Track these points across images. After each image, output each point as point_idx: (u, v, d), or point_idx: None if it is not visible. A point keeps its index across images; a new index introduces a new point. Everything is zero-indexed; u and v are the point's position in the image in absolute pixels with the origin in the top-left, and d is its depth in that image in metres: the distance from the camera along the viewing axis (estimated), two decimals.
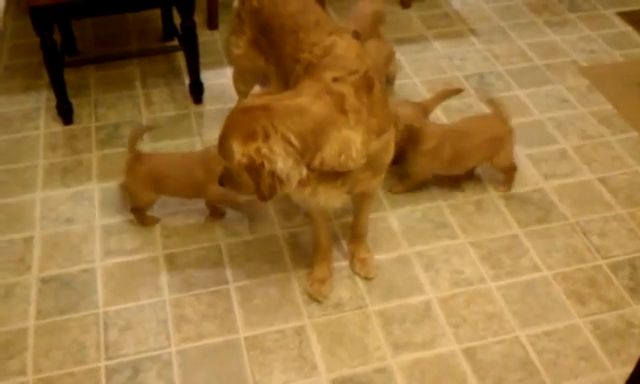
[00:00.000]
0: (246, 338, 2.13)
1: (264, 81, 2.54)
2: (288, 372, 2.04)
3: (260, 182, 1.75)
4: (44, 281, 2.29)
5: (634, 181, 2.68)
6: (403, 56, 3.37)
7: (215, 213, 2.51)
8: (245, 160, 1.74)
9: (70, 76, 2.99)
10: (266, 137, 1.73)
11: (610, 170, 2.73)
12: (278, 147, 1.73)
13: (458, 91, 2.72)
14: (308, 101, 1.81)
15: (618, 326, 2.17)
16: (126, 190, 2.47)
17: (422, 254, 2.40)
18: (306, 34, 2.13)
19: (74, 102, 2.94)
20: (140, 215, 2.47)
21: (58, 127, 2.90)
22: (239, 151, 1.74)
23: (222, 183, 1.92)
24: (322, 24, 2.17)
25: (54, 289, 2.26)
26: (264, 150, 1.72)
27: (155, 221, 2.49)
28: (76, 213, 2.53)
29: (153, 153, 2.55)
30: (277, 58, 2.27)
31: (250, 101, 1.91)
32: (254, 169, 1.74)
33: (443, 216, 2.54)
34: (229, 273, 2.33)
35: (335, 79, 1.88)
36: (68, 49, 3.25)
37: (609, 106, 3.06)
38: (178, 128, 2.91)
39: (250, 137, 1.73)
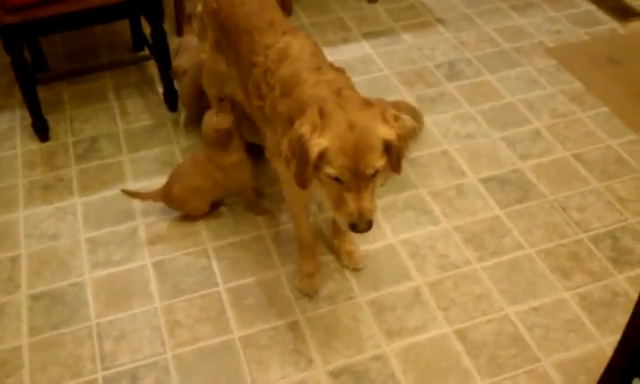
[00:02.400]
0: (240, 338, 2.15)
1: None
2: (285, 367, 2.06)
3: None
4: (34, 298, 2.28)
5: (607, 155, 2.75)
6: (374, 50, 3.40)
7: (256, 206, 2.55)
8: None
9: (42, 93, 2.98)
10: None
11: (583, 146, 2.79)
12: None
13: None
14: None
15: (603, 296, 2.22)
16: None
17: (407, 241, 2.44)
18: (260, 34, 2.15)
19: (49, 118, 2.93)
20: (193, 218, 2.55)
21: (35, 145, 2.89)
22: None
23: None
24: (277, 24, 2.18)
25: (45, 305, 2.26)
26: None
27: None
28: (60, 228, 2.52)
29: (168, 180, 2.50)
30: (236, 59, 2.29)
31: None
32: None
33: (425, 203, 2.58)
34: (218, 275, 2.34)
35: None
36: (38, 66, 3.23)
37: (578, 84, 3.12)
38: (155, 137, 2.91)
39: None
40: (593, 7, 3.68)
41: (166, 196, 2.48)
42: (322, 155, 1.75)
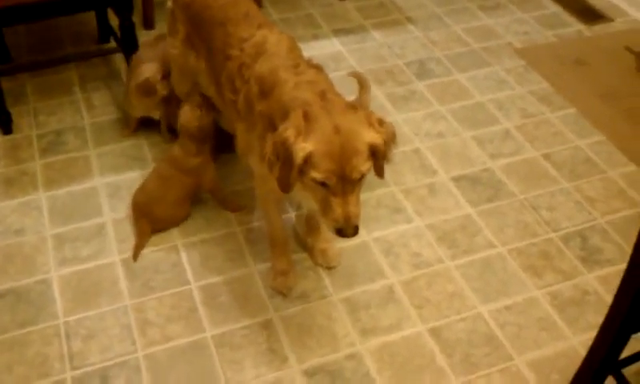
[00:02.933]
0: (213, 337, 2.11)
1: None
2: (259, 367, 2.03)
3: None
4: None
5: (575, 155, 2.79)
6: (344, 47, 3.40)
7: (229, 202, 2.52)
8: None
9: (5, 84, 2.88)
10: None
11: (552, 146, 2.83)
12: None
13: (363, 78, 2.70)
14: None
15: (573, 295, 2.25)
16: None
17: (380, 239, 2.43)
18: (235, 27, 2.13)
19: (12, 110, 2.84)
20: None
21: None
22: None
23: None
24: (252, 17, 2.17)
25: (10, 303, 2.19)
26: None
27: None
28: (25, 223, 2.45)
29: (144, 204, 2.42)
30: (207, 52, 2.25)
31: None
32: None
33: (397, 201, 2.58)
34: (189, 273, 2.30)
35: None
36: (1, 57, 3.14)
37: (546, 85, 3.16)
38: (122, 131, 2.85)
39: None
40: (559, 9, 3.73)
41: (150, 224, 2.40)
42: (306, 160, 1.74)
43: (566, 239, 2.44)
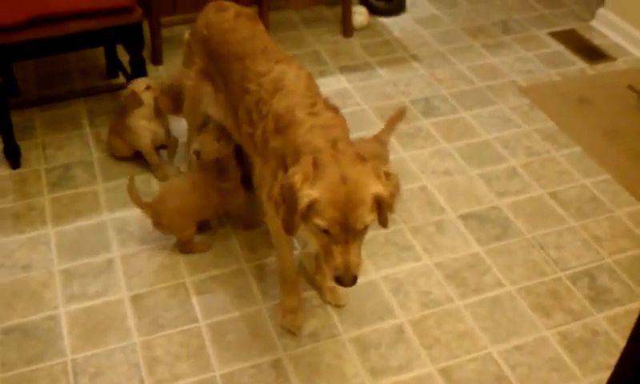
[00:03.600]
0: (222, 376, 2.10)
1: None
2: None
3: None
4: (6, 331, 2.20)
5: (582, 194, 2.80)
6: (350, 84, 3.42)
7: (251, 222, 2.55)
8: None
9: (14, 118, 2.88)
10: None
11: (558, 185, 2.84)
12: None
13: (402, 114, 2.77)
14: None
15: (583, 335, 2.25)
16: (167, 234, 2.48)
17: (389, 277, 2.43)
18: (252, 61, 2.16)
19: (20, 144, 2.85)
20: (189, 246, 2.48)
21: (6, 171, 2.81)
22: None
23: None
24: (269, 52, 2.20)
25: (18, 339, 2.18)
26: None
27: (207, 246, 2.51)
28: (33, 259, 2.45)
29: (160, 195, 2.47)
30: (225, 86, 2.29)
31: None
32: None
33: (406, 239, 2.58)
34: (198, 310, 2.30)
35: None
36: (10, 90, 3.14)
37: (551, 123, 3.19)
38: (130, 166, 2.85)
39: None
40: (562, 48, 3.78)
41: (156, 211, 2.41)
42: (311, 206, 1.75)
43: (574, 279, 2.44)
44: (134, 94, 2.70)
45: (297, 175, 1.76)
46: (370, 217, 1.77)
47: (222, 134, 2.44)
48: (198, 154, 2.41)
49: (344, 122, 2.04)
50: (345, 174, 1.74)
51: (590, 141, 3.07)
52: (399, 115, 2.77)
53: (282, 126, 1.95)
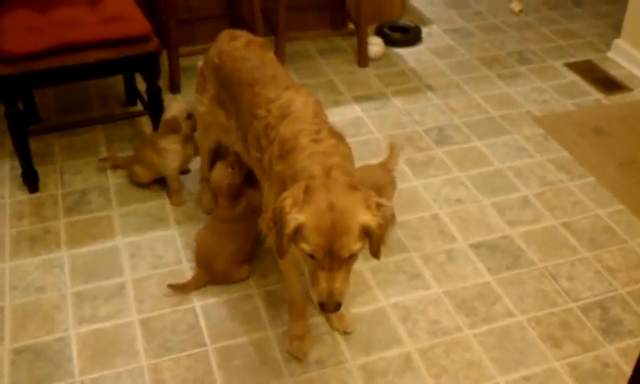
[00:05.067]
0: None
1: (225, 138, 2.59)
2: None
3: None
4: (17, 352, 2.23)
5: (595, 224, 2.78)
6: (365, 113, 3.45)
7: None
8: None
9: (33, 144, 2.97)
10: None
11: (572, 215, 2.82)
12: None
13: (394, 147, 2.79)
14: None
15: (593, 367, 2.22)
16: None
17: (397, 305, 2.42)
18: (262, 88, 2.20)
19: (39, 169, 2.91)
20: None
21: (24, 195, 2.87)
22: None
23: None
24: (279, 79, 2.24)
25: (28, 359, 2.20)
26: None
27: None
28: (46, 281, 2.48)
29: (202, 243, 2.51)
30: (236, 112, 2.33)
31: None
32: None
33: (415, 267, 2.58)
34: (206, 334, 2.31)
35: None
36: (30, 117, 3.22)
37: (565, 154, 3.18)
38: (146, 192, 2.90)
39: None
40: (577, 78, 3.78)
41: (208, 276, 2.46)
42: (298, 230, 1.77)
43: (585, 309, 2.41)
44: (175, 120, 2.75)
45: (287, 200, 1.79)
46: (356, 246, 1.77)
47: (236, 161, 2.48)
48: (207, 180, 2.44)
49: (347, 149, 2.05)
50: (333, 202, 1.76)
51: (604, 171, 3.06)
52: (394, 145, 2.79)
53: (286, 151, 1.98)
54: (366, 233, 1.80)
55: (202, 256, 2.47)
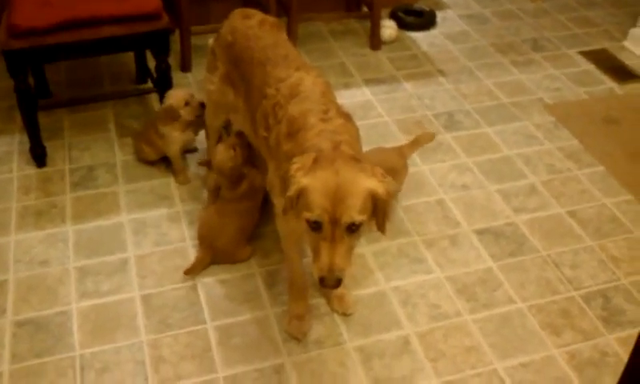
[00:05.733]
0: (225, 378, 2.12)
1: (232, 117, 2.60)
2: None
3: None
4: (19, 324, 2.26)
5: (601, 213, 2.75)
6: (375, 96, 3.43)
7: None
8: None
9: (43, 119, 2.99)
10: None
11: (578, 204, 2.80)
12: None
13: (431, 137, 2.78)
14: None
15: (592, 355, 2.21)
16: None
17: (398, 289, 2.42)
18: (274, 67, 2.19)
19: (47, 144, 2.93)
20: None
21: (32, 170, 2.89)
22: None
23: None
24: (290, 59, 2.23)
25: (29, 332, 2.23)
26: None
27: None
28: (50, 255, 2.51)
29: (205, 224, 2.53)
30: (246, 90, 2.32)
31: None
32: None
33: (418, 251, 2.57)
34: (206, 312, 2.32)
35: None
36: (41, 92, 3.25)
37: (575, 142, 3.14)
38: (152, 169, 2.91)
39: None
40: (591, 67, 3.73)
41: (211, 255, 2.47)
42: (301, 195, 1.77)
43: (587, 298, 2.40)
44: (172, 108, 2.75)
45: (296, 165, 1.80)
46: (360, 215, 1.74)
47: (239, 142, 2.48)
48: (208, 163, 2.45)
49: (355, 129, 2.05)
50: (338, 168, 1.75)
51: (613, 161, 3.02)
52: (428, 137, 2.76)
53: (294, 131, 1.97)
54: (372, 201, 1.78)
55: (205, 234, 2.48)
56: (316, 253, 1.78)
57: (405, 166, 2.70)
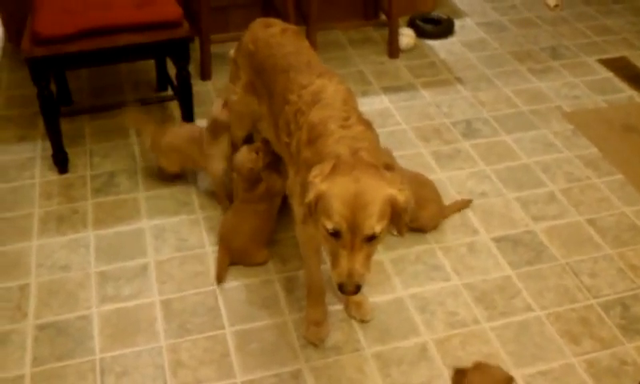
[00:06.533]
0: (243, 383, 2.13)
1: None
2: None
3: None
4: (40, 328, 2.29)
5: (621, 221, 2.74)
6: (392, 104, 3.45)
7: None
8: None
9: (65, 126, 3.03)
10: None
11: (597, 212, 2.79)
12: None
13: (467, 204, 2.80)
14: None
15: (611, 364, 2.19)
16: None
17: (416, 296, 2.43)
18: (297, 74, 2.21)
19: (69, 151, 2.97)
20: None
21: (54, 176, 2.93)
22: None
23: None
24: (313, 66, 2.25)
25: (51, 336, 2.26)
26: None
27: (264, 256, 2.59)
28: (72, 260, 2.54)
29: (223, 224, 2.59)
30: (269, 98, 2.34)
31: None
32: None
33: (436, 258, 2.57)
34: (225, 317, 2.34)
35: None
36: (63, 99, 3.30)
37: (594, 150, 3.13)
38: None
39: None
40: (610, 74, 3.72)
41: (229, 255, 2.51)
42: (318, 202, 1.78)
43: (606, 307, 2.39)
44: (216, 122, 2.68)
45: (315, 172, 1.81)
46: (379, 224, 1.74)
47: (263, 148, 2.51)
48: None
49: (375, 136, 2.05)
50: (357, 175, 1.76)
51: (633, 169, 3.01)
52: (464, 204, 2.78)
53: (314, 137, 1.99)
54: (391, 209, 1.78)
55: (224, 234, 2.52)
56: (335, 259, 1.79)
57: (438, 216, 2.70)
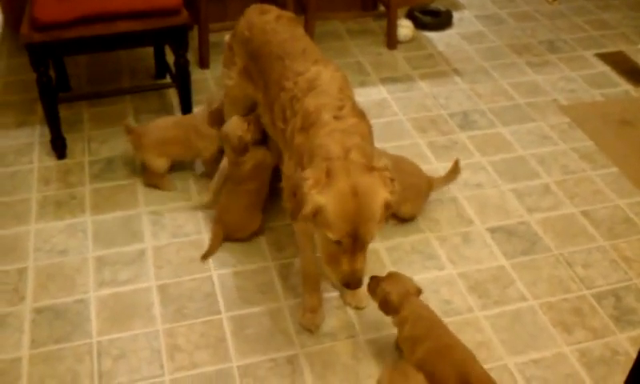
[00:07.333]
0: (238, 367, 2.16)
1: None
2: None
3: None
4: (38, 311, 2.31)
5: (615, 214, 2.76)
6: (390, 95, 3.46)
7: None
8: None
9: (63, 112, 3.04)
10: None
11: (591, 204, 2.81)
12: None
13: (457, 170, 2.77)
14: None
15: (603, 353, 2.22)
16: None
17: None
18: (292, 61, 2.22)
19: (67, 137, 2.99)
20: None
21: (52, 162, 2.94)
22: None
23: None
24: (309, 53, 2.26)
25: (48, 319, 2.28)
26: None
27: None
28: (69, 244, 2.56)
29: (219, 215, 2.61)
30: (264, 84, 2.35)
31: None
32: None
33: (431, 247, 2.60)
34: (221, 303, 2.36)
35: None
36: (61, 86, 3.30)
37: (589, 143, 3.16)
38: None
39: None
40: (607, 68, 3.74)
41: (223, 230, 2.55)
42: (318, 213, 1.81)
43: (599, 297, 2.41)
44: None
45: (308, 180, 1.83)
46: (379, 227, 1.83)
47: (255, 121, 2.53)
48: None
49: (368, 127, 2.07)
50: (355, 186, 1.80)
51: (628, 162, 3.03)
52: (457, 170, 2.75)
53: (307, 125, 2.00)
54: (385, 211, 1.86)
55: (218, 212, 2.57)
56: (336, 261, 1.86)
57: (427, 195, 2.72)
